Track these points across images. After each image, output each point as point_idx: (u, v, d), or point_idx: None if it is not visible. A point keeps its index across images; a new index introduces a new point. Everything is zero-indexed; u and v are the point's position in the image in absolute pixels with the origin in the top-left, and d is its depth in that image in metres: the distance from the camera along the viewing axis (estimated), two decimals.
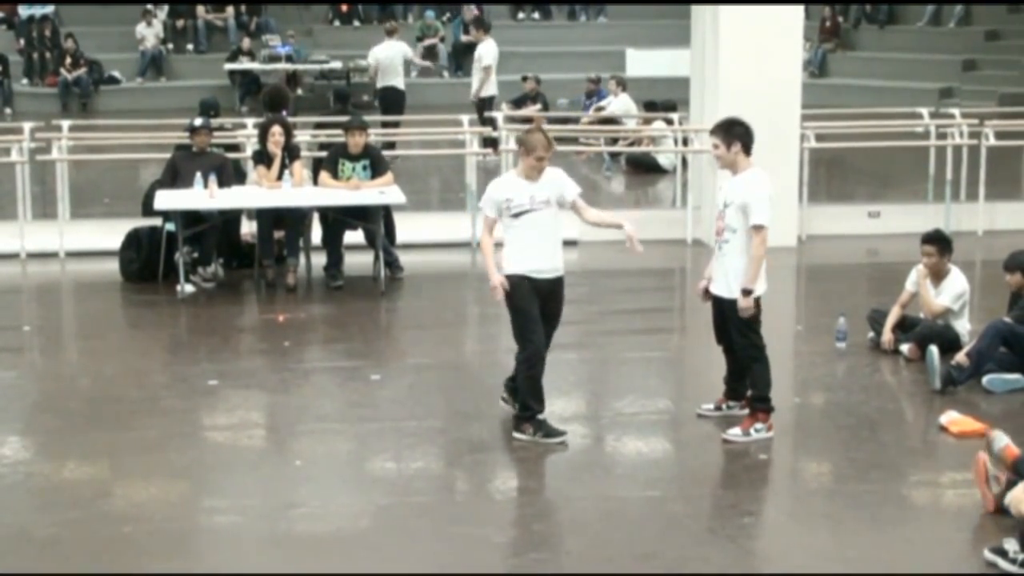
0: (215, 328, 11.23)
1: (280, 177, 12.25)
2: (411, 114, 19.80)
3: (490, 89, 19.14)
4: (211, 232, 12.20)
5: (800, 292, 12.87)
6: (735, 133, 8.35)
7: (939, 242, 10.21)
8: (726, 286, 8.38)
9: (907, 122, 15.92)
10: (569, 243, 12.89)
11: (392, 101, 19.28)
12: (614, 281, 12.96)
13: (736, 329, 8.41)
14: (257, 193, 12.33)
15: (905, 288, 10.34)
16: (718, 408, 8.76)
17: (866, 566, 6.73)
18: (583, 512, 7.60)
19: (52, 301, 12.88)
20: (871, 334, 10.44)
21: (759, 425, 8.40)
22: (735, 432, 8.42)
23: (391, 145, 17.20)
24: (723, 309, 8.45)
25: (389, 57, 19.44)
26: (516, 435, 8.36)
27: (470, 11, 26.20)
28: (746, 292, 8.25)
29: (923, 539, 7.19)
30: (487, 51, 19.13)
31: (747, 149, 8.37)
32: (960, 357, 9.42)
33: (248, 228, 12.78)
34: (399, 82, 19.50)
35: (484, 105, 18.51)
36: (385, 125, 17.92)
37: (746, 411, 8.58)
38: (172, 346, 10.98)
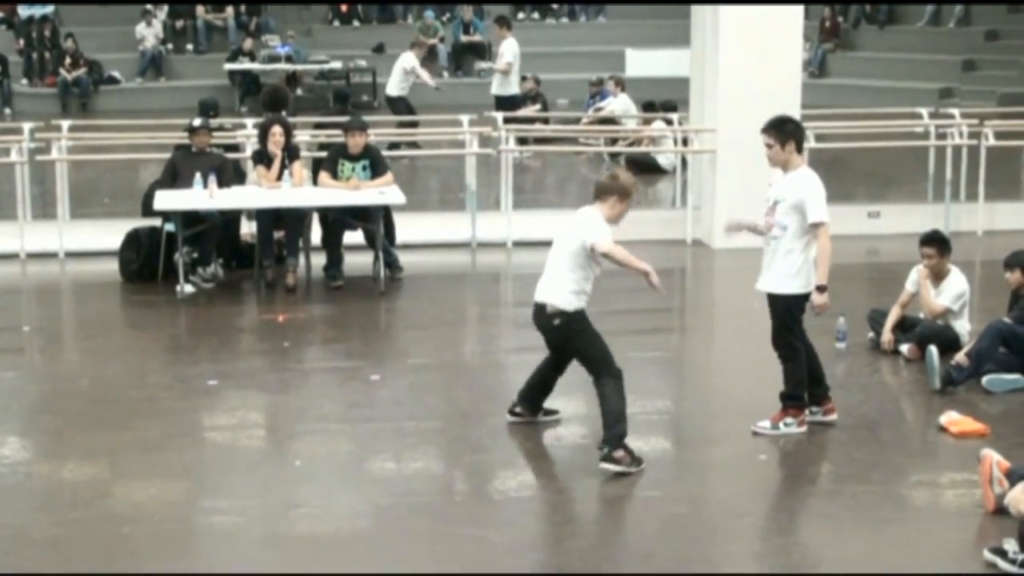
0: (215, 328, 11.22)
1: (280, 177, 12.25)
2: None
3: (511, 88, 19.45)
4: (211, 232, 12.20)
5: None
6: (788, 131, 8.35)
7: (938, 243, 10.21)
8: (769, 282, 8.42)
9: (907, 122, 15.91)
10: None
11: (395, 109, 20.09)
12: (614, 281, 12.91)
13: (775, 325, 8.44)
14: (257, 193, 12.33)
15: (905, 288, 10.34)
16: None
17: (866, 566, 6.73)
18: (583, 512, 7.62)
19: (52, 301, 12.87)
20: (871, 334, 10.44)
21: (789, 420, 8.45)
22: (764, 424, 8.47)
23: (415, 144, 17.84)
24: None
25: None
26: (609, 467, 7.84)
27: (469, 10, 26.33)
28: (821, 288, 8.27)
29: (923, 539, 7.19)
30: (508, 49, 19.44)
31: (799, 147, 8.38)
32: (960, 357, 9.42)
33: (248, 228, 12.79)
34: (393, 90, 20.16)
35: (506, 105, 18.80)
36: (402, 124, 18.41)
37: (831, 417, 8.65)
38: (172, 346, 10.97)
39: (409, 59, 20.24)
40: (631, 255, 8.12)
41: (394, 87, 20.08)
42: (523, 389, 8.69)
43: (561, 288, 8.13)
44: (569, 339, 8.24)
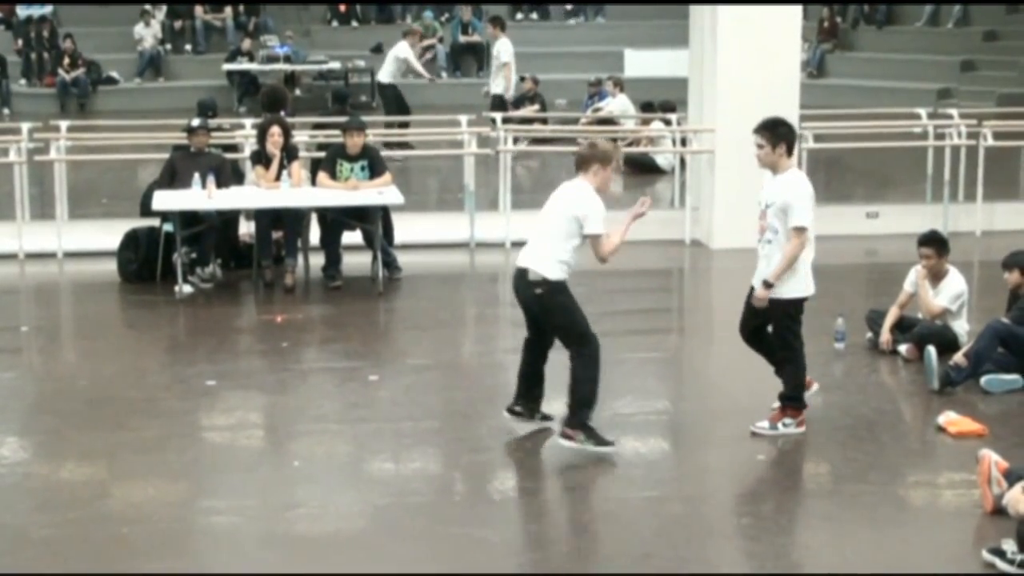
0: (213, 329, 11.22)
1: (279, 177, 12.25)
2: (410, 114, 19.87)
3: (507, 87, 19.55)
4: (209, 232, 12.20)
5: None
6: (780, 133, 8.32)
7: (936, 243, 10.21)
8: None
9: (905, 123, 15.91)
10: None
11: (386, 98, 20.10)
12: (612, 281, 12.94)
13: (775, 328, 8.43)
14: (255, 193, 12.33)
15: (903, 289, 10.34)
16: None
17: (865, 566, 6.73)
18: (582, 512, 7.62)
19: (50, 301, 12.87)
20: (869, 335, 10.44)
21: (788, 420, 8.45)
22: (763, 425, 8.47)
23: (407, 145, 17.79)
24: (763, 308, 8.43)
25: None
26: (564, 442, 8.03)
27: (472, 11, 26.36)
28: (767, 284, 8.25)
29: (921, 539, 7.19)
30: (504, 48, 19.45)
31: (790, 150, 8.36)
32: (958, 357, 9.42)
33: (246, 228, 12.78)
34: (384, 77, 20.17)
35: (502, 104, 18.81)
36: (390, 125, 18.37)
37: (813, 388, 8.73)
38: (170, 347, 10.97)
39: (403, 48, 20.24)
40: (620, 237, 8.16)
41: (386, 74, 20.08)
42: (517, 385, 8.64)
43: (548, 256, 8.11)
44: (549, 310, 8.17)
